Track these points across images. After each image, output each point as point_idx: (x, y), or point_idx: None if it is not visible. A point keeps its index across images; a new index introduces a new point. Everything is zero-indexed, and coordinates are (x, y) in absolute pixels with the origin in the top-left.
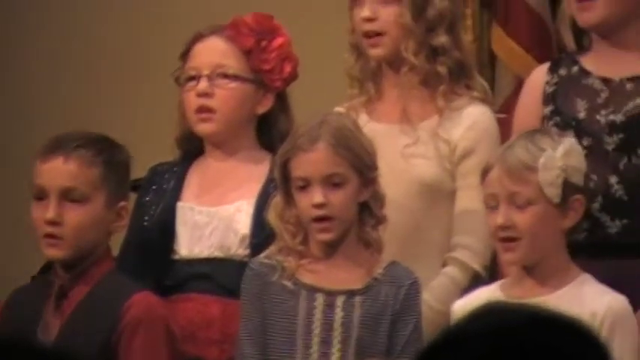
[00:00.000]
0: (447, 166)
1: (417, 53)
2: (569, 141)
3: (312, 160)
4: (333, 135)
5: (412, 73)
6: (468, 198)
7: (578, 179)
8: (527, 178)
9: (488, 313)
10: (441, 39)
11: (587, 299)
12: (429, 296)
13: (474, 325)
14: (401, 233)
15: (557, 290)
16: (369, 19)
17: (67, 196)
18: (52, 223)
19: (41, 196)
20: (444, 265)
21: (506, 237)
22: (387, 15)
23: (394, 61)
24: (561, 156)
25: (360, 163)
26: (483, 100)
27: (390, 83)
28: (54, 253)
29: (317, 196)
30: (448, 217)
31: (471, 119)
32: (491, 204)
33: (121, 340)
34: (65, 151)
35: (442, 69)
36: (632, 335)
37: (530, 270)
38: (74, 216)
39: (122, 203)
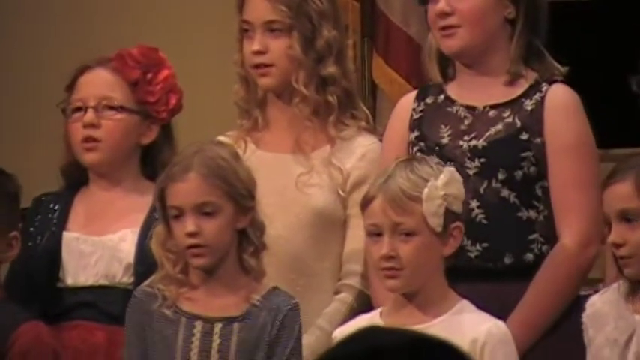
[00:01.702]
0: (341, 194)
1: (308, 84)
2: (449, 170)
3: (184, 190)
4: (205, 164)
5: (303, 103)
6: (359, 227)
7: (457, 207)
8: (410, 209)
9: (367, 335)
10: (330, 69)
11: (467, 326)
12: (323, 321)
13: (352, 346)
14: (292, 262)
15: (438, 317)
16: (259, 52)
17: None
18: None
19: None
20: (337, 292)
21: (390, 267)
22: (277, 48)
23: (283, 92)
24: (443, 185)
25: (234, 192)
26: (370, 130)
27: (279, 113)
28: None
29: (189, 225)
30: (339, 246)
31: (362, 150)
32: (374, 233)
33: None
34: None
35: (332, 98)
36: (513, 358)
37: (411, 297)
38: None
39: (13, 233)
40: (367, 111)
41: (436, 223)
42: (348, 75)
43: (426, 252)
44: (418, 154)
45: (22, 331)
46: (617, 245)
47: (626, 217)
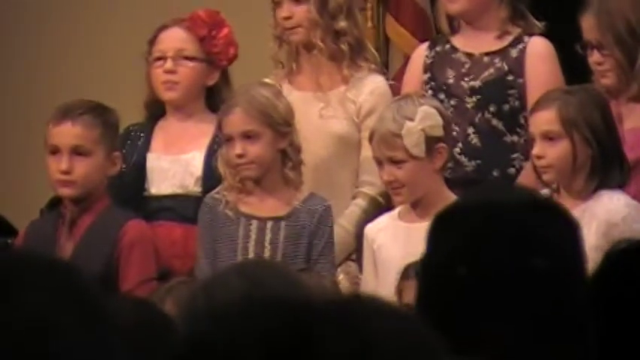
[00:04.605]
0: (355, 120)
1: (324, 38)
2: (424, 108)
3: (232, 121)
4: (248, 101)
5: (320, 53)
6: (370, 147)
7: (437, 132)
8: (396, 144)
9: (487, 189)
10: (342, 24)
11: None
12: (344, 220)
13: (475, 198)
14: (320, 175)
15: None
16: (287, 18)
17: (76, 151)
18: (65, 172)
19: (55, 151)
20: (354, 197)
21: (393, 187)
22: (300, 12)
23: (307, 45)
24: (419, 121)
25: (272, 121)
26: (379, 71)
27: (305, 62)
28: (67, 192)
29: (237, 148)
30: (356, 161)
31: (372, 86)
32: (379, 161)
33: (121, 256)
34: (72, 116)
35: (345, 47)
36: None
37: (417, 203)
38: (82, 166)
39: (116, 153)
40: (377, 55)
41: (417, 151)
42: (358, 27)
43: (417, 172)
44: (430, 91)
45: (129, 227)
46: (539, 157)
47: (548, 137)
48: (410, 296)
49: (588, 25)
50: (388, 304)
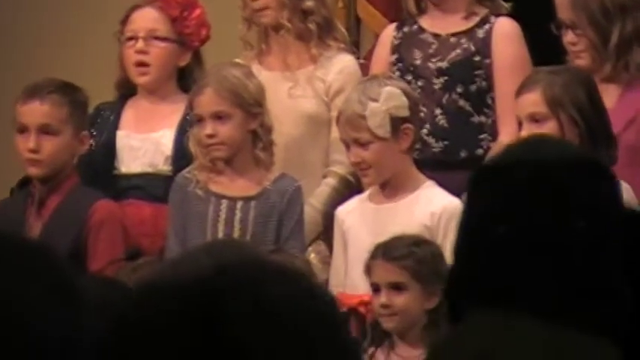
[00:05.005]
0: (325, 99)
1: (291, 18)
2: (388, 89)
3: (202, 101)
4: (218, 81)
5: (288, 33)
6: None
7: (403, 113)
8: (361, 125)
9: (531, 145)
10: (308, 3)
11: (428, 201)
12: (314, 200)
13: (517, 154)
14: (290, 154)
15: (409, 195)
16: None
17: (44, 130)
18: (33, 151)
19: (23, 130)
20: (324, 176)
21: (360, 168)
22: None
23: (275, 26)
24: (383, 102)
25: (243, 101)
26: (348, 50)
27: (273, 41)
28: (35, 172)
29: (207, 128)
30: (326, 140)
31: (341, 65)
32: (346, 143)
33: (90, 235)
34: (40, 95)
35: (312, 26)
36: None
37: (385, 184)
38: (50, 145)
39: (84, 133)
40: (346, 34)
41: (382, 131)
42: (326, 6)
43: (383, 153)
44: (397, 72)
45: (98, 207)
46: None
47: (534, 119)
48: (379, 275)
49: (562, 4)
50: (294, 272)
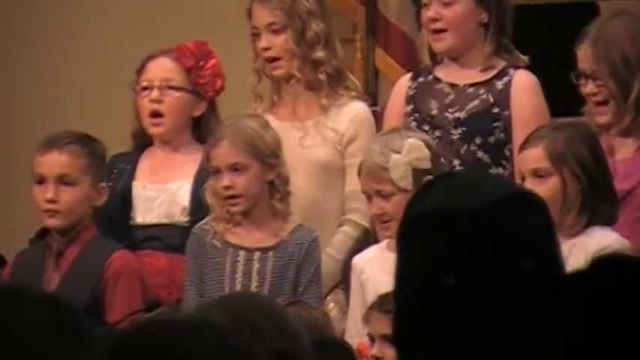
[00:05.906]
0: (338, 147)
1: (301, 68)
2: (410, 140)
3: (219, 154)
4: (235, 133)
5: (298, 83)
6: (355, 174)
7: (425, 165)
8: (383, 177)
9: (458, 190)
10: (319, 54)
11: None
12: (331, 249)
13: (450, 201)
14: (306, 204)
15: None
16: (266, 49)
17: (62, 180)
18: (51, 201)
19: (41, 181)
20: (341, 225)
21: (383, 220)
22: (278, 43)
23: (286, 76)
24: (405, 154)
25: (260, 153)
26: (360, 98)
27: (284, 92)
28: (53, 223)
29: (224, 180)
30: (339, 189)
31: (353, 113)
32: (368, 195)
33: (107, 287)
34: (59, 146)
35: (322, 77)
36: None
37: None
38: (68, 195)
39: (102, 184)
40: (358, 83)
41: (404, 184)
42: (337, 56)
43: (404, 205)
44: (414, 123)
45: (115, 258)
46: None
47: (537, 174)
48: (372, 327)
49: (584, 54)
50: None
